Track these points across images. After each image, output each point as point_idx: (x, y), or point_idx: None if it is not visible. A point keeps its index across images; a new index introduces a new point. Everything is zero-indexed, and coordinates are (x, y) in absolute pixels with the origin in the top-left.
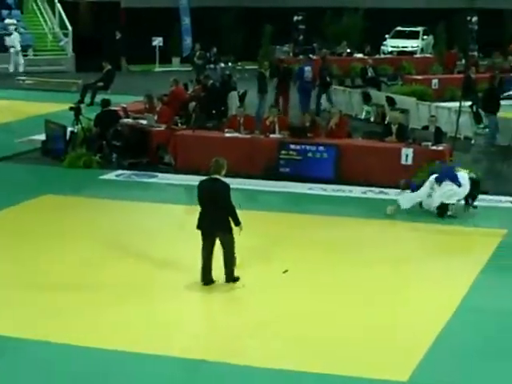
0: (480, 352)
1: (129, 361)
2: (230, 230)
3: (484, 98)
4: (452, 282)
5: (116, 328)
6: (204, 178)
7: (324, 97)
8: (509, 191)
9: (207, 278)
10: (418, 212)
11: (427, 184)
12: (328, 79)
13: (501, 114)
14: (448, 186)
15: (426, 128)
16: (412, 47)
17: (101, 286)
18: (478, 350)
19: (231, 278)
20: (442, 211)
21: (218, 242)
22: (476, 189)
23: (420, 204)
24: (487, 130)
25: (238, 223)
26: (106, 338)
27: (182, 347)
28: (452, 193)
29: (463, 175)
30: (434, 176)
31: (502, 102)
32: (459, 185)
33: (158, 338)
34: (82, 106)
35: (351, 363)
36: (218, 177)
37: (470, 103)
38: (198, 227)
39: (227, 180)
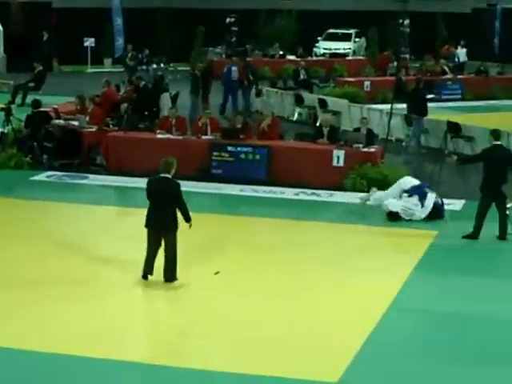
0: (410, 352)
1: (62, 364)
2: (175, 229)
3: (408, 101)
4: (383, 282)
5: (38, 328)
6: (153, 177)
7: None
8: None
9: (147, 271)
10: (354, 213)
11: (397, 188)
12: (251, 78)
13: (432, 116)
14: (413, 201)
15: (357, 130)
16: (344, 49)
17: (35, 286)
18: (408, 350)
19: (170, 277)
20: (393, 218)
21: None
22: (436, 213)
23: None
24: (411, 132)
25: (188, 219)
26: (40, 339)
27: (119, 349)
28: (412, 212)
29: (431, 197)
30: (408, 187)
31: (433, 105)
32: (422, 205)
33: (92, 339)
34: (13, 106)
35: (281, 364)
36: (167, 176)
37: (404, 105)
38: (146, 226)
39: None
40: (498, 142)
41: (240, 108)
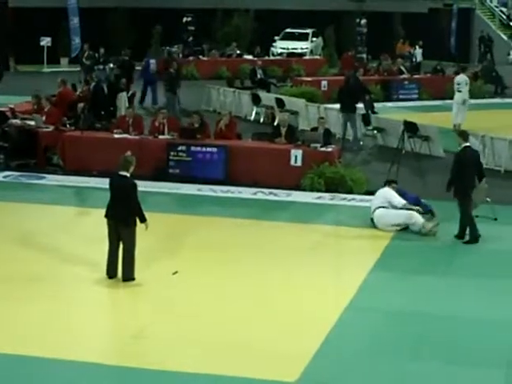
0: (367, 350)
1: (17, 365)
2: (133, 225)
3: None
4: (341, 282)
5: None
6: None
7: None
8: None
9: (111, 272)
10: (311, 213)
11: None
12: (172, 71)
13: (389, 115)
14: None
15: (315, 129)
16: (301, 49)
17: None
18: (366, 349)
19: (128, 276)
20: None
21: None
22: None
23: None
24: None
25: (143, 220)
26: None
27: (76, 350)
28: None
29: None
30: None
31: (390, 104)
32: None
33: (49, 339)
34: None
35: (240, 364)
36: (125, 174)
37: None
38: (106, 215)
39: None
40: (467, 144)
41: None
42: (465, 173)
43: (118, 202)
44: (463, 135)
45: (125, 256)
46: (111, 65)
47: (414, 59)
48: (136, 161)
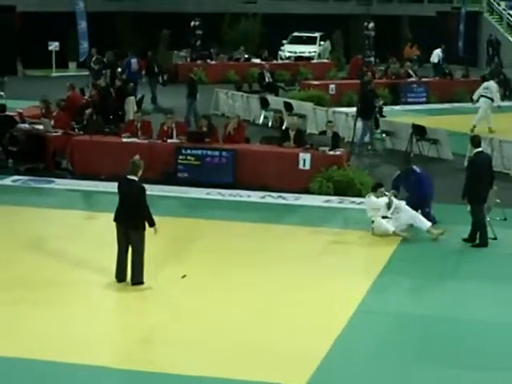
0: (377, 354)
1: (27, 368)
2: (142, 229)
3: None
4: (350, 285)
5: (5, 332)
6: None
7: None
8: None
9: (120, 276)
10: (320, 216)
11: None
12: (156, 70)
13: (397, 119)
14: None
15: (323, 133)
16: (309, 53)
17: (2, 290)
18: (375, 353)
19: (137, 280)
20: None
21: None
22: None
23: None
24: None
25: (152, 224)
26: (7, 343)
27: (86, 353)
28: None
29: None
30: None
31: (398, 108)
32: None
33: (58, 343)
34: None
35: (248, 368)
36: (134, 178)
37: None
38: (115, 220)
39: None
40: (480, 149)
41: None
42: (479, 178)
43: (126, 207)
44: (475, 141)
45: (134, 260)
46: (119, 69)
47: (439, 61)
48: (144, 165)
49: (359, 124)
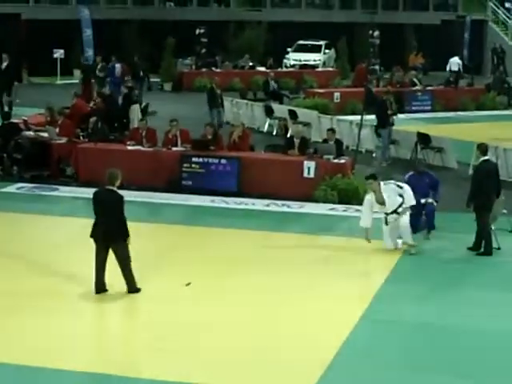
0: (382, 362)
1: (25, 375)
2: (124, 239)
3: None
4: (354, 294)
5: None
6: (98, 188)
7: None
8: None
9: (99, 287)
10: (325, 224)
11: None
12: (142, 74)
13: (402, 127)
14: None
15: (325, 141)
16: (314, 61)
17: (2, 297)
18: (380, 361)
19: (132, 288)
20: None
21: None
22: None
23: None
24: (380, 144)
25: (126, 235)
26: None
27: (80, 360)
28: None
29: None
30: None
31: (403, 116)
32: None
33: (54, 350)
34: None
35: (253, 375)
36: (112, 188)
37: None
38: (91, 236)
39: (130, 193)
40: (486, 157)
41: None
42: (485, 186)
43: (105, 219)
44: (482, 149)
45: (123, 271)
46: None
47: (459, 69)
48: (149, 173)
49: (364, 132)
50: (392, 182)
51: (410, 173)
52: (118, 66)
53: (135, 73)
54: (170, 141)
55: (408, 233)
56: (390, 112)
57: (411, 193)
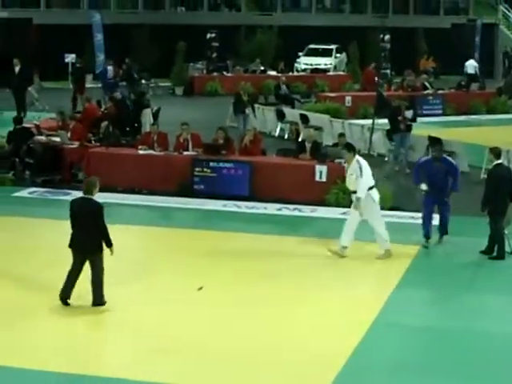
0: (395, 367)
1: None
2: (100, 251)
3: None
4: (366, 297)
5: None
6: (76, 198)
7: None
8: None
9: (65, 294)
10: (337, 228)
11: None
12: (136, 76)
13: (414, 131)
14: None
15: (335, 145)
16: (325, 65)
17: (16, 302)
18: (394, 365)
19: (98, 301)
20: None
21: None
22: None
23: None
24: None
25: (109, 245)
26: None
27: (97, 365)
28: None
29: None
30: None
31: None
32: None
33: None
34: None
35: (265, 379)
36: (90, 197)
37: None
38: (70, 246)
39: (141, 197)
40: (499, 161)
41: None
42: (498, 190)
43: (83, 228)
44: (495, 152)
45: (95, 282)
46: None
47: (475, 72)
48: (161, 177)
49: (376, 136)
50: (363, 161)
51: (425, 157)
52: (109, 68)
53: (128, 75)
54: (181, 145)
55: (380, 233)
56: (400, 118)
57: (364, 186)
